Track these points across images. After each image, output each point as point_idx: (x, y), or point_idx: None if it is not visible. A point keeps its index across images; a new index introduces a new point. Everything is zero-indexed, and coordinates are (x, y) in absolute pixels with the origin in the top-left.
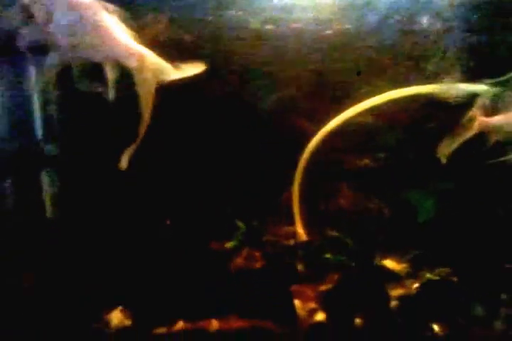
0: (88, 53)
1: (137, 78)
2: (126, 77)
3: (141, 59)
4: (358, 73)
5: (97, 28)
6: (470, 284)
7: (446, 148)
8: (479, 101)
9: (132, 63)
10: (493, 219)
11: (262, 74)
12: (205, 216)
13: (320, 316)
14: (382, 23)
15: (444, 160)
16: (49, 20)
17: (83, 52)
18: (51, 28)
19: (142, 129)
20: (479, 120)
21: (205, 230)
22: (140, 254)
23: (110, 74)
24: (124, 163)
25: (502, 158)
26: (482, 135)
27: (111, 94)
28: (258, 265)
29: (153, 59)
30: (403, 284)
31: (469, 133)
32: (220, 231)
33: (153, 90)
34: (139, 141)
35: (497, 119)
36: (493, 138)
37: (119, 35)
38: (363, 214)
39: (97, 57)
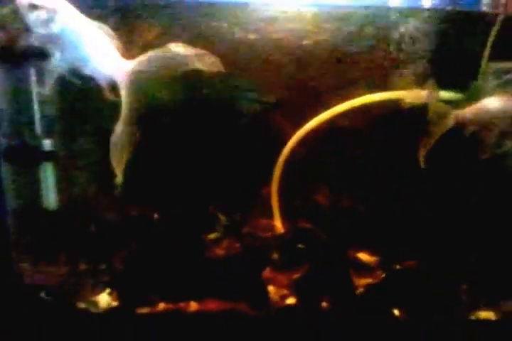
0: (78, 66)
1: (122, 93)
2: None
3: (125, 76)
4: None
5: (86, 42)
6: (433, 274)
7: (422, 149)
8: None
9: (117, 79)
10: (459, 216)
11: (246, 79)
12: (190, 209)
13: (291, 300)
14: (356, 34)
15: (422, 162)
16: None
17: (74, 64)
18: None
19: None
20: (454, 114)
21: (189, 222)
22: (129, 244)
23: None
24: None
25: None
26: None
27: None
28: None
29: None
30: (374, 274)
31: (443, 129)
32: (203, 223)
33: (137, 106)
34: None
35: (471, 110)
36: (471, 130)
37: (108, 51)
38: (339, 210)
39: (87, 71)
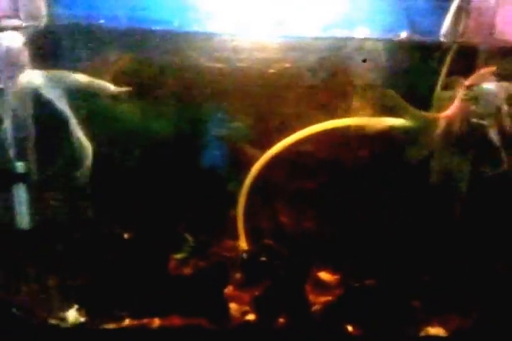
0: None
1: None
2: None
3: None
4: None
5: None
6: (388, 292)
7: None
8: None
9: None
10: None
11: (213, 106)
12: (159, 229)
13: (250, 316)
14: (318, 63)
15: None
16: None
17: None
18: None
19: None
20: (442, 116)
21: (157, 242)
22: (96, 262)
23: None
24: None
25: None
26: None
27: None
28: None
29: None
30: (333, 292)
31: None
32: (171, 243)
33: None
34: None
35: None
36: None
37: None
38: (302, 231)
39: None
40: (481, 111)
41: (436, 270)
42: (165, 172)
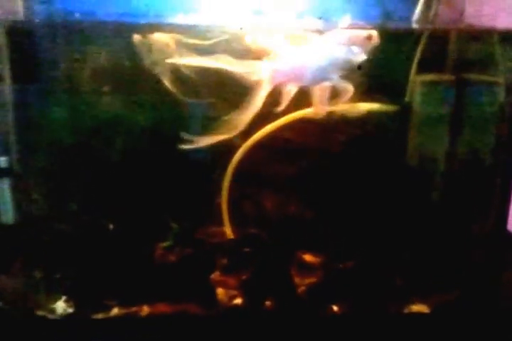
0: None
1: None
2: None
3: None
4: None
5: None
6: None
7: None
8: None
9: None
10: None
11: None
12: (143, 219)
13: (238, 300)
14: None
15: None
16: None
17: None
18: None
19: None
20: None
21: (143, 231)
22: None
23: None
24: None
25: None
26: None
27: None
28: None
29: None
30: (317, 274)
31: None
32: (157, 232)
33: None
34: None
35: None
36: None
37: None
38: (286, 216)
39: None
40: (154, 59)
41: (417, 248)
42: (147, 161)
